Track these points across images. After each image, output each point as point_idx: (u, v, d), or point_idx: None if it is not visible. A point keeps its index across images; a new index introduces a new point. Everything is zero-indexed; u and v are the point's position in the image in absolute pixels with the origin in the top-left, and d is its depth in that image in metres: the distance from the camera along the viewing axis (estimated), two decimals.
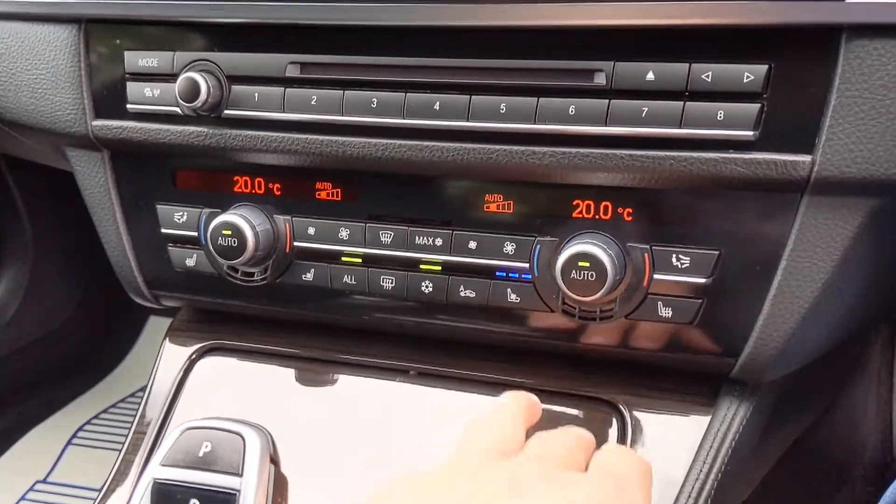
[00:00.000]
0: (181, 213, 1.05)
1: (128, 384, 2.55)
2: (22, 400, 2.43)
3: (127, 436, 1.07)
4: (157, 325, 2.68)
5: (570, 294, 0.88)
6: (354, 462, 0.98)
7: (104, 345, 2.67)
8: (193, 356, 1.11)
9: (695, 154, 0.82)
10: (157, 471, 0.67)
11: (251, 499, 0.64)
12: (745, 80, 0.80)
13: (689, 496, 0.88)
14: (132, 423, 1.08)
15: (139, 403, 2.56)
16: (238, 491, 0.65)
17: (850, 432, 1.39)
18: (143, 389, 2.61)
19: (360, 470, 0.98)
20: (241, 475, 0.65)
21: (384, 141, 0.92)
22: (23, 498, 2.17)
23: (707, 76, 0.80)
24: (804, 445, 1.25)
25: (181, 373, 1.10)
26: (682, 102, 0.82)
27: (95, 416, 2.43)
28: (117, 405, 2.46)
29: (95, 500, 1.01)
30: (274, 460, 0.67)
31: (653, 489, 0.90)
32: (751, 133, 0.81)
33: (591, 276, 0.86)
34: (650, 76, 0.82)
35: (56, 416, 2.45)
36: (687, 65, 0.81)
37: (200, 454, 0.67)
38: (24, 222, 2.42)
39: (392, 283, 0.99)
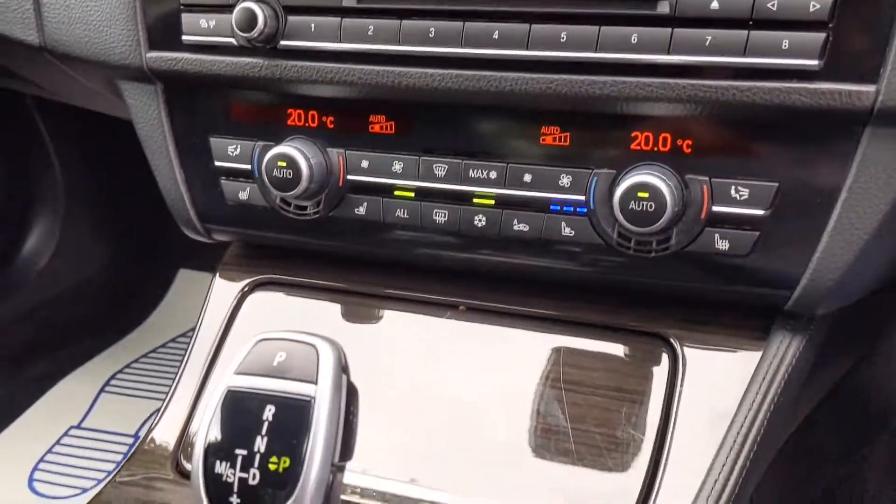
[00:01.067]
0: (234, 146, 1.05)
1: (158, 335, 2.58)
2: (54, 349, 2.47)
3: (180, 366, 1.08)
4: (186, 279, 2.70)
5: (628, 226, 0.88)
6: (406, 395, 1.00)
7: (135, 297, 2.70)
8: (245, 289, 1.12)
9: (758, 84, 0.82)
10: (233, 379, 0.68)
11: (326, 405, 0.65)
12: (811, 9, 0.79)
13: (741, 428, 0.89)
14: (186, 353, 1.09)
15: (170, 353, 2.59)
16: (313, 398, 0.66)
17: (887, 379, 1.39)
18: (174, 340, 2.64)
19: (411, 403, 0.99)
20: (316, 383, 0.66)
21: (441, 71, 0.92)
22: (58, 442, 2.21)
23: (772, 4, 0.80)
24: (843, 389, 1.25)
25: (232, 306, 1.11)
26: (746, 31, 0.81)
27: (127, 366, 2.46)
28: (148, 355, 2.50)
29: (153, 423, 1.04)
30: (345, 371, 0.68)
31: (703, 423, 0.91)
32: (815, 62, 0.80)
33: (650, 206, 0.86)
34: (714, 4, 0.82)
35: (88, 365, 2.49)
36: None
37: (275, 363, 0.68)
38: (56, 172, 2.44)
39: (445, 216, 0.99)
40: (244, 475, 0.65)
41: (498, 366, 1.00)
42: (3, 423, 2.27)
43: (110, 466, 2.05)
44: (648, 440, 0.90)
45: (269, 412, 0.66)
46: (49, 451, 2.17)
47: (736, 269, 0.91)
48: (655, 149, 0.90)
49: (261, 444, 0.66)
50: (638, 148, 0.90)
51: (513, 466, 0.92)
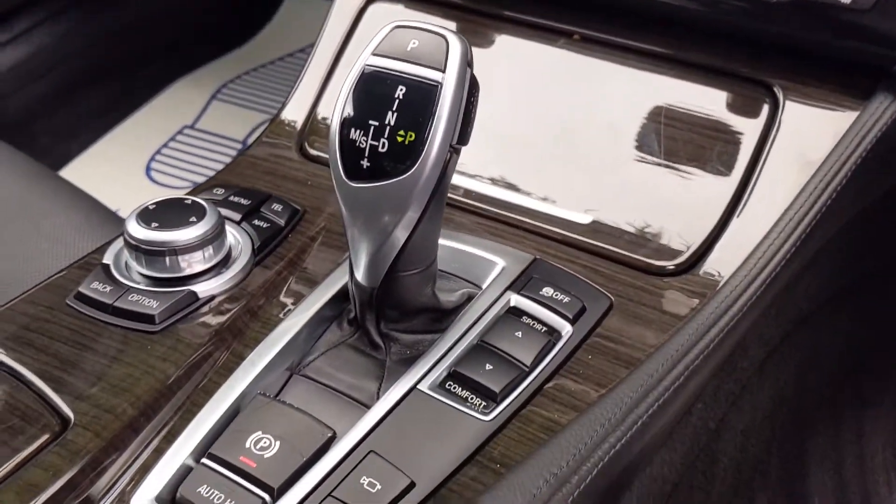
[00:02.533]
0: None
1: (265, 52, 2.66)
2: (165, 55, 2.57)
3: (303, 68, 1.16)
4: (291, 5, 2.74)
5: None
6: (514, 109, 1.07)
7: (244, 13, 2.76)
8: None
9: None
10: (371, 59, 0.75)
11: (451, 91, 0.72)
12: None
13: (825, 175, 0.94)
14: (309, 58, 1.17)
15: (277, 70, 2.68)
16: (440, 83, 0.73)
17: None
18: (281, 59, 2.72)
19: (518, 116, 1.06)
20: (443, 71, 0.73)
21: None
22: (172, 139, 2.38)
23: None
24: None
25: (355, 14, 1.17)
26: None
27: (238, 77, 2.57)
28: (257, 69, 2.60)
29: (282, 105, 1.13)
30: (470, 65, 0.75)
31: (790, 168, 0.96)
32: None
33: None
34: None
35: (197, 74, 2.61)
36: None
37: (408, 49, 0.74)
38: None
39: None
40: (375, 143, 0.74)
41: (603, 94, 1.05)
42: (119, 118, 2.45)
43: (220, 167, 2.22)
44: (735, 176, 0.96)
45: (400, 91, 0.74)
46: (164, 145, 2.35)
47: (853, 24, 0.92)
48: None
49: (391, 118, 0.74)
50: None
51: (605, 182, 1.00)
